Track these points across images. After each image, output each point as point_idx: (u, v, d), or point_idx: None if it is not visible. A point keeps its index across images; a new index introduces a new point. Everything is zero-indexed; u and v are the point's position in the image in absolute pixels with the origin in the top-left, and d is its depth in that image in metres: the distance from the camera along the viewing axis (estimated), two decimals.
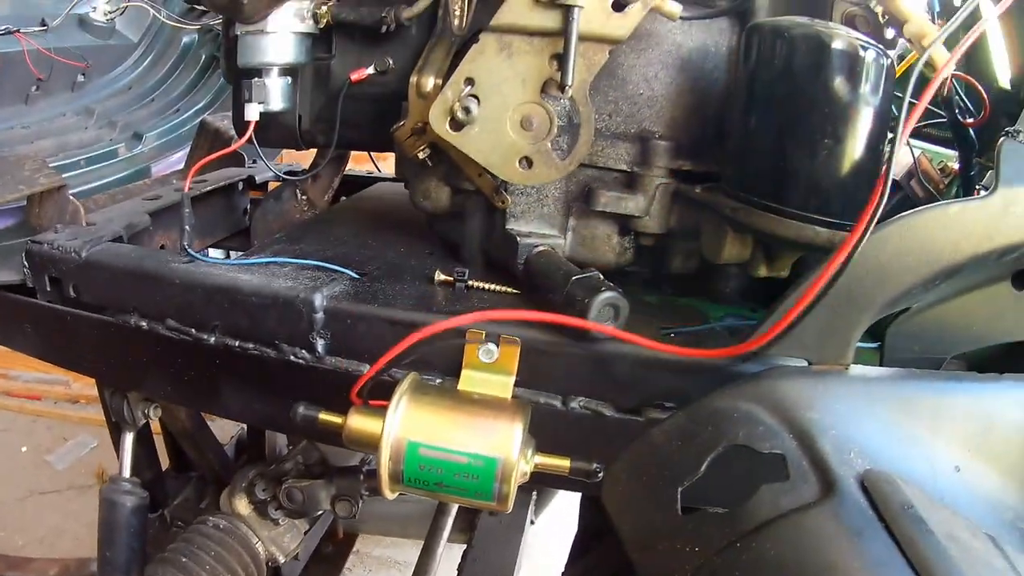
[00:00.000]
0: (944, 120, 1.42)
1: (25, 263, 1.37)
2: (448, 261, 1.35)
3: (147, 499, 1.58)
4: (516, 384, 1.05)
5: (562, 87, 1.10)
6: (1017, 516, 0.97)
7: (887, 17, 1.20)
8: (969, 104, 1.26)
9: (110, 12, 2.88)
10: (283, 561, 1.52)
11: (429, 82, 1.19)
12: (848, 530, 0.80)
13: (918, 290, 1.01)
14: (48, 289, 1.37)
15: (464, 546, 2.07)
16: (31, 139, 2.53)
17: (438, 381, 1.08)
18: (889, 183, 0.91)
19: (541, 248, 1.23)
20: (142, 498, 1.56)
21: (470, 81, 1.14)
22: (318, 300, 1.13)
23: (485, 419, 0.97)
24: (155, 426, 1.68)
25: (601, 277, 1.10)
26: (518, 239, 1.24)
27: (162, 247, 1.64)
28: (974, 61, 1.63)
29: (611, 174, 1.25)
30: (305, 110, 1.44)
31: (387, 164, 1.95)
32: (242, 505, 1.50)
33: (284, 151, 2.26)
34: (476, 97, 1.14)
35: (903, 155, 1.51)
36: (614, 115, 1.23)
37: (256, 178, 1.94)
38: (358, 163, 2.03)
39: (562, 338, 1.05)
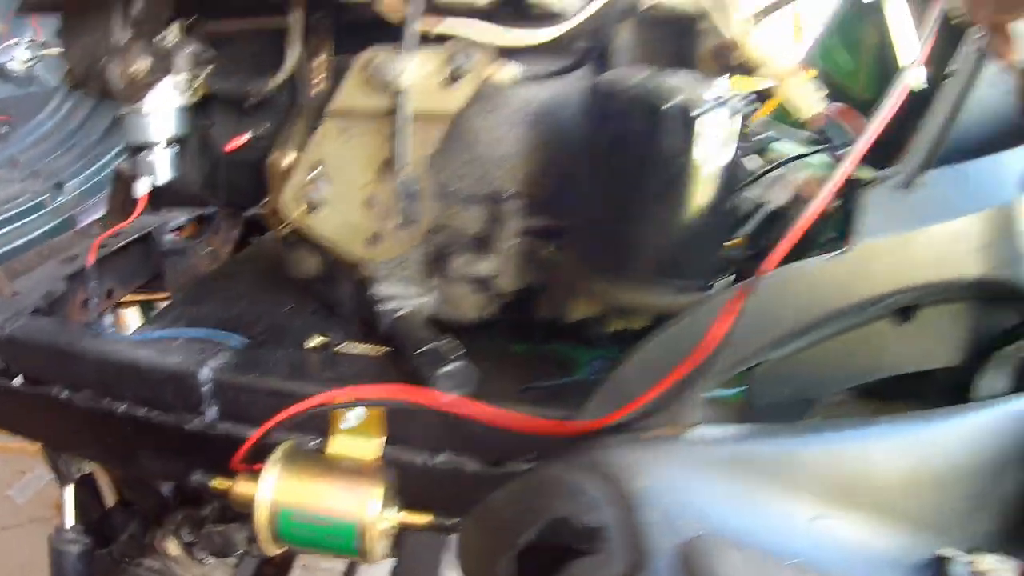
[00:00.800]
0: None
1: None
2: (328, 320, 1.43)
3: (90, 545, 1.68)
4: (387, 443, 1.13)
5: (396, 167, 1.15)
6: (894, 553, 0.98)
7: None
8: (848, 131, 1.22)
9: (29, 60, 2.91)
10: None
11: (285, 160, 1.24)
12: None
13: (770, 348, 1.02)
14: None
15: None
16: None
17: (315, 443, 1.16)
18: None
19: (402, 312, 1.29)
20: (86, 544, 1.66)
21: (316, 164, 1.20)
22: (203, 373, 1.22)
23: (347, 485, 1.05)
24: None
25: (450, 346, 1.15)
26: (380, 304, 1.30)
27: (85, 302, 1.72)
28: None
29: (464, 236, 1.28)
30: (195, 174, 1.49)
31: None
32: (172, 547, 1.60)
33: None
34: (323, 179, 1.21)
35: (790, 178, 1.46)
36: (465, 178, 1.24)
37: (168, 225, 2.00)
38: None
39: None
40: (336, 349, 1.29)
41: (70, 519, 1.69)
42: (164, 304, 1.78)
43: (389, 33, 1.13)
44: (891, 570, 0.96)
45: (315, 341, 1.31)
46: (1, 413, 1.52)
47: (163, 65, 1.35)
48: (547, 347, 1.34)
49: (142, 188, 1.43)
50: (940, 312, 1.17)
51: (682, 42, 1.22)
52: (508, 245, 1.25)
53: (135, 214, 1.45)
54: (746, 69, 1.16)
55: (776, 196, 1.44)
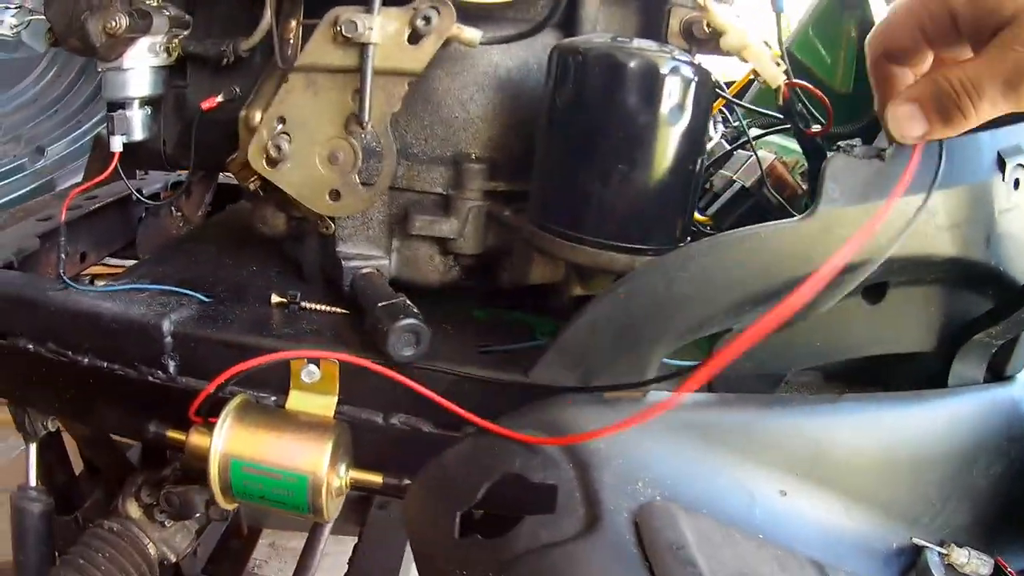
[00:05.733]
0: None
1: None
2: (292, 280, 1.44)
3: (52, 505, 1.68)
4: (342, 402, 1.13)
5: (360, 122, 1.16)
6: (865, 537, 0.99)
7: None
8: (814, 111, 1.20)
9: (16, 26, 2.90)
10: (174, 559, 1.60)
11: (256, 116, 1.25)
12: (601, 566, 0.78)
13: (728, 316, 1.00)
14: None
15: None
16: None
17: (272, 399, 1.17)
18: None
19: (365, 270, 1.30)
20: (48, 504, 1.67)
21: (282, 119, 1.21)
22: (166, 325, 1.22)
23: (298, 438, 1.05)
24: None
25: (406, 304, 1.16)
26: (343, 262, 1.31)
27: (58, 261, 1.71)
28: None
29: (429, 197, 1.29)
30: (169, 135, 1.51)
31: None
32: (133, 509, 1.58)
33: None
34: (288, 134, 1.21)
35: (753, 160, 1.51)
36: (429, 139, 1.27)
37: (144, 191, 2.00)
38: None
39: (379, 359, 1.11)
40: (299, 306, 1.29)
41: (33, 478, 1.69)
42: None
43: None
44: (860, 554, 0.97)
45: (277, 299, 1.30)
46: None
47: (142, 25, 1.36)
48: (508, 315, 1.35)
49: (115, 144, 1.43)
50: (911, 295, 1.17)
51: (650, 16, 1.27)
52: (469, 207, 1.27)
53: (108, 171, 1.45)
54: (711, 42, 1.20)
55: (746, 175, 1.46)
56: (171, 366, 1.24)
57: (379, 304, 1.16)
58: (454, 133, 1.27)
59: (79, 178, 2.27)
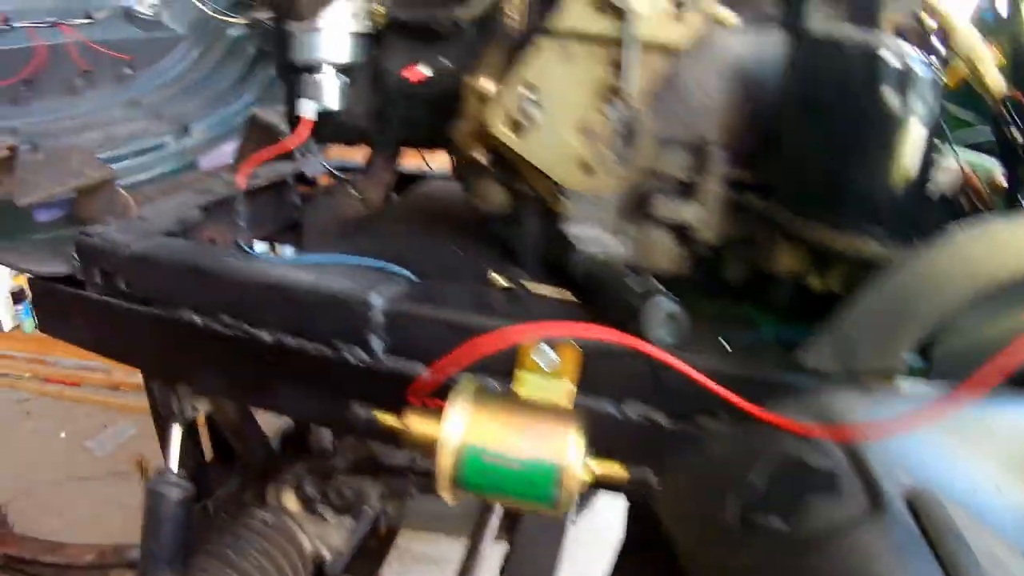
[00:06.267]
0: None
1: (75, 255, 1.38)
2: (503, 262, 1.35)
3: (193, 492, 1.59)
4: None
5: (623, 95, 1.10)
6: None
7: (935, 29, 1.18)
8: (1017, 119, 1.18)
9: (155, 4, 2.90)
10: (329, 559, 1.52)
11: (486, 84, 1.18)
12: (894, 548, 0.79)
13: (965, 308, 0.96)
14: (98, 282, 1.37)
15: (505, 544, 2.07)
16: (78, 131, 2.52)
17: (491, 383, 1.08)
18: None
19: (598, 253, 1.22)
20: (188, 491, 1.57)
21: (529, 85, 1.14)
22: (376, 300, 1.13)
23: (544, 425, 0.96)
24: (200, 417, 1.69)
25: (659, 286, 1.08)
26: (575, 244, 1.23)
27: (211, 241, 1.65)
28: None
29: (668, 182, 1.22)
30: (360, 108, 1.43)
31: (437, 160, 1.95)
32: (290, 500, 1.52)
33: (331, 146, 2.26)
34: (536, 102, 1.14)
35: (952, 168, 1.43)
36: (672, 122, 1.20)
37: (307, 173, 1.94)
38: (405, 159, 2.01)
39: (620, 346, 1.02)
40: (523, 288, 1.21)
41: (174, 462, 1.60)
42: None
43: None
44: None
45: (499, 280, 1.22)
46: (115, 339, 1.45)
47: None
48: (733, 309, 1.27)
49: (307, 110, 1.35)
50: None
51: (862, 11, 1.22)
52: (713, 193, 1.20)
53: (298, 139, 1.37)
54: (929, 38, 1.19)
55: (943, 181, 1.39)
56: (376, 345, 1.15)
57: (628, 285, 1.08)
58: (696, 118, 1.20)
59: (226, 160, 2.24)
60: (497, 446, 0.95)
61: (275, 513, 1.51)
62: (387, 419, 1.05)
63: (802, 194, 1.11)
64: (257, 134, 2.04)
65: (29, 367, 4.50)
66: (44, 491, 3.48)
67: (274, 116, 2.05)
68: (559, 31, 1.11)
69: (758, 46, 1.21)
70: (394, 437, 1.03)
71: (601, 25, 1.09)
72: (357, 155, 1.74)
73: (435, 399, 1.02)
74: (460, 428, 0.95)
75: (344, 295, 1.15)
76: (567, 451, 0.94)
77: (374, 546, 2.01)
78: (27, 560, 2.76)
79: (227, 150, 2.50)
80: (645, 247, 1.26)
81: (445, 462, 0.95)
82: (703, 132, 1.21)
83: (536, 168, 1.18)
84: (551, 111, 1.14)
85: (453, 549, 2.15)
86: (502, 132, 1.15)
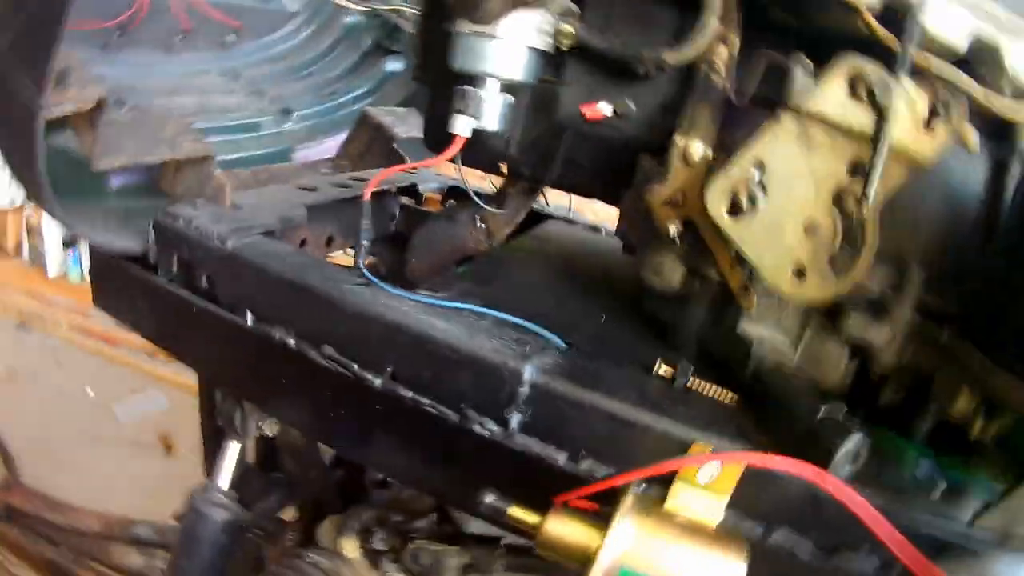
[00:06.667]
0: None
1: (152, 235, 1.24)
2: (654, 341, 1.21)
3: (241, 516, 1.43)
4: None
5: (860, 200, 0.98)
6: None
7: None
8: None
9: None
10: None
11: (698, 149, 1.05)
12: None
13: None
14: (175, 271, 1.23)
15: None
16: (169, 93, 2.36)
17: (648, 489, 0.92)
18: None
19: (774, 360, 1.10)
20: (236, 515, 1.42)
21: (760, 164, 1.00)
22: (528, 372, 0.98)
23: (706, 552, 0.83)
24: None
25: (847, 415, 0.96)
26: (747, 343, 1.11)
27: (302, 243, 1.50)
28: None
29: (860, 297, 1.10)
30: (517, 135, 1.26)
31: (554, 197, 1.77)
32: (350, 547, 1.37)
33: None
34: (761, 184, 1.00)
35: None
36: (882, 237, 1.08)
37: (419, 187, 1.79)
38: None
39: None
40: (686, 384, 1.06)
41: (226, 481, 1.44)
42: None
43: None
44: None
45: (662, 369, 1.07)
46: (183, 337, 1.31)
47: None
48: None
49: (462, 127, 1.19)
50: None
51: None
52: (905, 317, 1.09)
53: (447, 155, 1.21)
54: None
55: None
56: (514, 420, 0.99)
57: (805, 404, 0.97)
58: (899, 235, 1.07)
59: (325, 154, 2.09)
60: (653, 572, 0.82)
61: (331, 558, 1.35)
62: (523, 516, 0.90)
63: (999, 337, 1.01)
64: (366, 133, 1.90)
65: (67, 317, 4.38)
66: (60, 447, 3.36)
67: (387, 117, 1.91)
68: (806, 111, 0.98)
69: (966, 167, 1.10)
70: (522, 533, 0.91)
71: (856, 117, 0.97)
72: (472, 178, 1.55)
73: (583, 500, 0.90)
74: (620, 548, 0.83)
75: (491, 359, 1.00)
76: None
77: None
78: (29, 514, 2.61)
79: (329, 145, 2.34)
80: (817, 357, 1.13)
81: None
82: (904, 251, 1.09)
83: (736, 256, 1.04)
84: (777, 199, 1.01)
85: None
86: (719, 212, 1.00)
